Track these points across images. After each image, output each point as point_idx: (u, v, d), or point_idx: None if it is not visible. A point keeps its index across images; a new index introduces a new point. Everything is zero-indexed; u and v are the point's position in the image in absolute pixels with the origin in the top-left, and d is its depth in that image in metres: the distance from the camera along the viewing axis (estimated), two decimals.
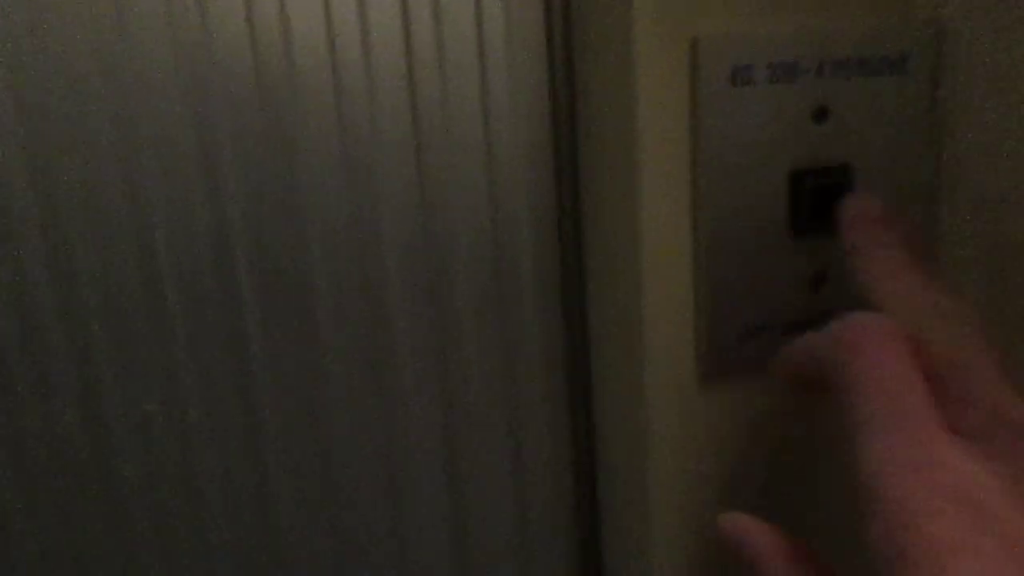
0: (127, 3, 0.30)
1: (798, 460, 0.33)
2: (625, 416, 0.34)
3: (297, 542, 0.36)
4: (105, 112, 0.30)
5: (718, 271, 0.30)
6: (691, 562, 0.33)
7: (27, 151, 0.30)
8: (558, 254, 0.36)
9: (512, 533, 0.38)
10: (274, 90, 0.32)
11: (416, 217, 0.34)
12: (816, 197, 0.30)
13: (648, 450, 0.31)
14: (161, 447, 0.33)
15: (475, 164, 0.35)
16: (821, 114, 0.30)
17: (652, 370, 0.31)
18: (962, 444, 0.19)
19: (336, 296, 0.34)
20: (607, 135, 0.32)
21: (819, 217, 0.30)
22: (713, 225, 0.30)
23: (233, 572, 0.35)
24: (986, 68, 0.29)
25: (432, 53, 0.33)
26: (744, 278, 0.30)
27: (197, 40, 0.31)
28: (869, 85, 0.30)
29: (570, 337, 0.37)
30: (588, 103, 0.34)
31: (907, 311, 0.23)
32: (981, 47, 0.29)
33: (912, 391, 0.20)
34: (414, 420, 0.36)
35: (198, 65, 0.31)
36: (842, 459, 0.21)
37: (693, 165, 0.29)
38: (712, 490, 0.32)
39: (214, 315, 0.33)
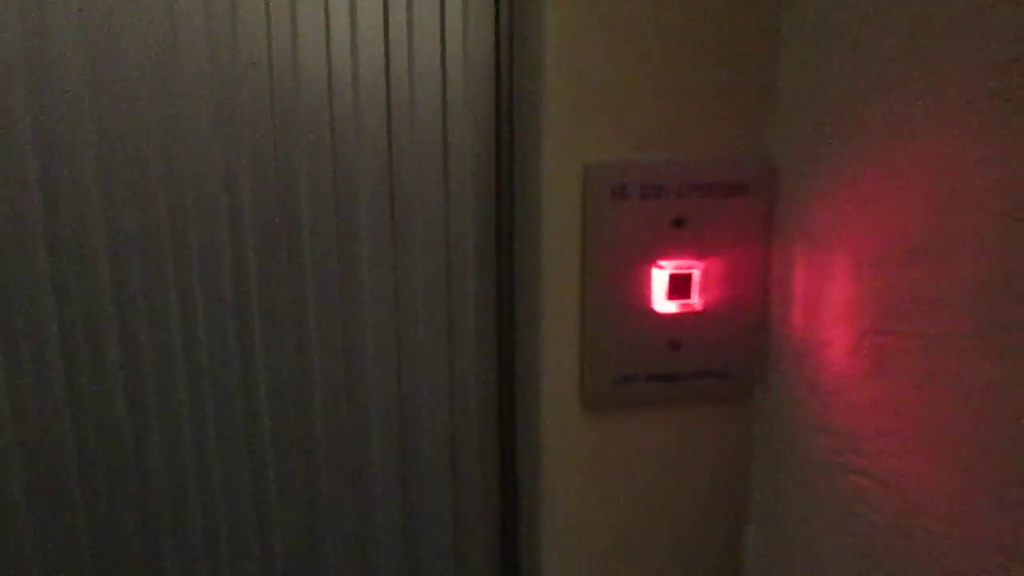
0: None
1: (662, 474, 0.43)
2: (530, 440, 0.44)
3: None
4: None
5: (599, 333, 0.41)
6: (577, 553, 0.43)
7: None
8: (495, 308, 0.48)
9: (449, 529, 0.49)
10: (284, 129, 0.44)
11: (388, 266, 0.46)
12: (673, 283, 0.40)
13: (542, 462, 0.42)
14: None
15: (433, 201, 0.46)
16: (679, 222, 0.40)
17: (547, 404, 0.41)
18: None
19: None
20: (522, 231, 0.43)
21: (675, 297, 0.40)
22: (596, 300, 0.40)
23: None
24: (806, 197, 0.39)
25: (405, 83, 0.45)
26: (619, 339, 0.41)
27: None
28: (718, 203, 0.40)
29: (500, 390, 0.48)
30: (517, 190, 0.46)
31: None
32: (802, 181, 0.39)
33: None
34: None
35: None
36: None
37: (583, 256, 0.40)
38: (592, 491, 0.43)
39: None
